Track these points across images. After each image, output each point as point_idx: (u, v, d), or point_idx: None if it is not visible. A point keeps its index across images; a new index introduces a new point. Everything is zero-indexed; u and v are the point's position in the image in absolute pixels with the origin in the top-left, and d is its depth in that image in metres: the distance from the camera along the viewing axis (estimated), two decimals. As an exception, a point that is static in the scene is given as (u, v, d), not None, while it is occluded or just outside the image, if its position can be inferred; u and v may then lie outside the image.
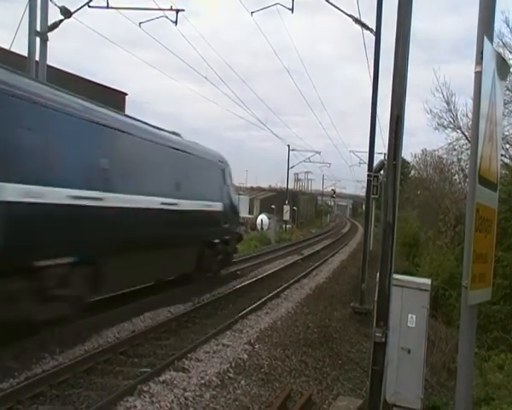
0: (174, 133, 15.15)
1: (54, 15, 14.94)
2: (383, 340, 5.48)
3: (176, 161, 13.89)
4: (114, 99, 23.93)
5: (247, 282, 18.05)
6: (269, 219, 44.72)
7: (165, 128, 14.82)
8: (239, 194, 38.22)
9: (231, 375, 8.57)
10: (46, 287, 8.85)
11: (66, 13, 14.91)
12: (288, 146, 52.85)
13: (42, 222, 8.58)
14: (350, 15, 16.11)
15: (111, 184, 10.58)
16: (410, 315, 8.28)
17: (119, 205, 10.75)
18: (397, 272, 7.84)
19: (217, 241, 16.67)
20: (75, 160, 9.58)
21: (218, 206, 16.83)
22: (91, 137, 10.11)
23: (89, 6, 15.54)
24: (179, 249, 14.00)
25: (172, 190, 13.52)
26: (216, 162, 17.42)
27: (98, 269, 10.29)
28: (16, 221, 8.07)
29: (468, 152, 16.35)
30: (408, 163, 41.12)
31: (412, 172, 42.09)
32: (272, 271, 21.39)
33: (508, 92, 19.80)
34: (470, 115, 20.80)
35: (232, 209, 18.42)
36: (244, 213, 46.76)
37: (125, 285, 12.33)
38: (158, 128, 13.98)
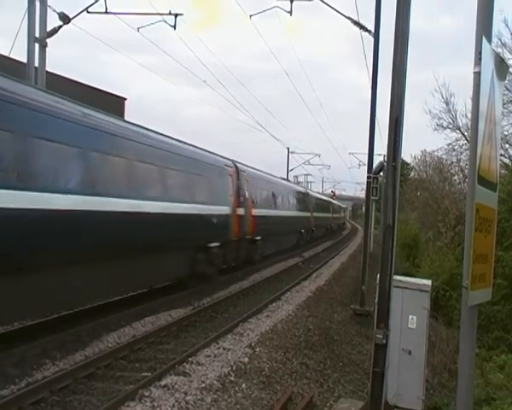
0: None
1: (53, 21, 15.00)
2: (384, 341, 5.47)
3: None
4: (113, 104, 23.96)
5: (248, 285, 18.04)
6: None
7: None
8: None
9: (232, 378, 8.55)
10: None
11: (65, 19, 14.94)
12: (288, 149, 52.91)
13: None
14: (348, 17, 16.13)
15: None
16: (410, 316, 8.28)
17: None
18: (397, 274, 7.84)
19: None
20: None
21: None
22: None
23: (87, 12, 15.58)
24: None
25: None
26: None
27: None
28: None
29: (468, 152, 16.34)
30: (408, 164, 41.01)
31: (412, 173, 42.01)
32: (273, 273, 21.40)
33: (506, 92, 19.82)
34: (469, 116, 20.81)
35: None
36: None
37: None
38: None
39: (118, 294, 12.75)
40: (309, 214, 36.75)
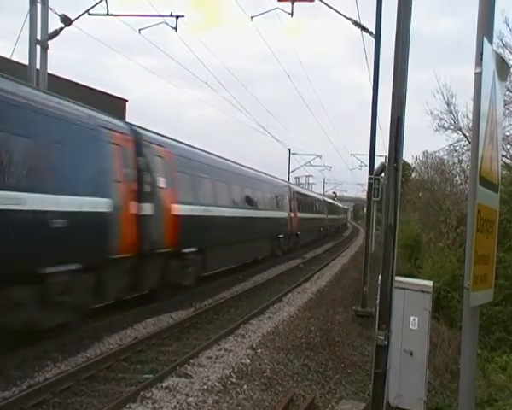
0: None
1: (54, 24, 15.03)
2: (385, 343, 5.48)
3: None
4: (115, 106, 23.96)
5: (249, 286, 18.04)
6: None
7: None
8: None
9: (234, 380, 8.54)
10: None
11: (67, 21, 14.95)
12: (289, 150, 52.84)
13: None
14: (349, 18, 16.11)
15: None
16: (412, 317, 8.28)
17: None
18: (398, 275, 7.84)
19: None
20: None
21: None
22: None
23: (89, 14, 15.58)
24: None
25: None
26: None
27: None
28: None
29: (469, 153, 16.31)
30: (409, 165, 41.01)
31: (413, 174, 42.00)
32: (274, 275, 21.39)
33: (508, 93, 19.80)
34: (471, 116, 20.76)
35: None
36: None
37: None
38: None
39: None
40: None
